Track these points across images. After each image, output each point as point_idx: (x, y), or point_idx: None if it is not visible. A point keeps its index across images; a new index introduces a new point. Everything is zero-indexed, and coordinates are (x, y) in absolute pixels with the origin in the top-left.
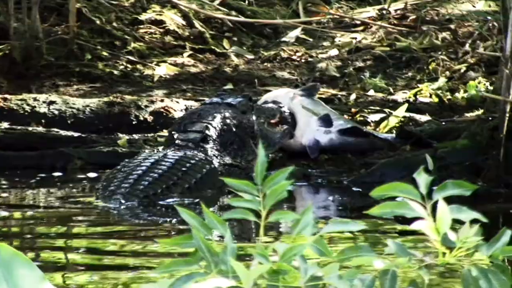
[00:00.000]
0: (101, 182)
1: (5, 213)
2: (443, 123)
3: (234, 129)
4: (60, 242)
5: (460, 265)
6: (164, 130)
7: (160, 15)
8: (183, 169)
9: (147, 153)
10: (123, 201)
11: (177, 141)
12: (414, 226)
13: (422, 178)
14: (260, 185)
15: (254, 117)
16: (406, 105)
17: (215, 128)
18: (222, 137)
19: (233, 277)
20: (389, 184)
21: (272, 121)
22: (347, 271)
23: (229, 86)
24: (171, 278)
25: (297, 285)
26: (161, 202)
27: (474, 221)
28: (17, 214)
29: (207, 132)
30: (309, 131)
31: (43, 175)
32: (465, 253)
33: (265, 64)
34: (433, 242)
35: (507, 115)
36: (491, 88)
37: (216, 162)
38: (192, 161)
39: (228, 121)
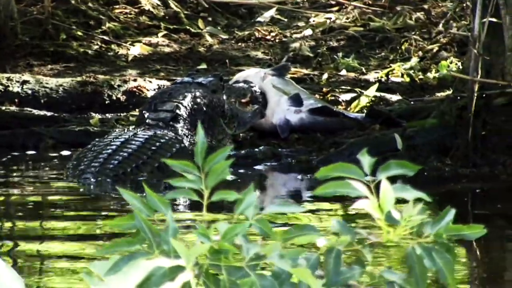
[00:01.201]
0: (72, 161)
1: None
2: (412, 102)
3: (204, 108)
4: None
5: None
6: (137, 110)
7: None
8: (153, 148)
9: (117, 132)
10: (93, 180)
11: (147, 121)
12: (357, 205)
13: (366, 159)
14: (201, 164)
15: (224, 97)
16: (377, 84)
17: (185, 107)
18: (193, 116)
19: (175, 256)
20: (333, 164)
21: (243, 100)
22: (291, 250)
23: (203, 66)
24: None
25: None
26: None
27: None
28: None
29: (177, 111)
30: (280, 110)
31: (15, 153)
32: (409, 231)
33: (239, 44)
34: (377, 221)
35: (475, 94)
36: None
37: (186, 141)
38: (162, 140)
39: (198, 100)
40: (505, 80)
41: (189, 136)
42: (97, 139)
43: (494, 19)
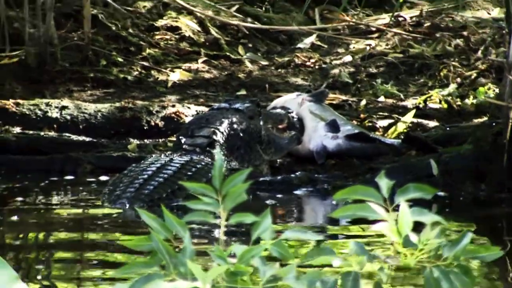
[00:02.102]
0: (108, 186)
1: (15, 217)
2: (448, 128)
3: (241, 134)
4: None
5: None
6: (175, 136)
7: (176, 21)
8: (189, 173)
9: (153, 157)
10: (128, 205)
11: (184, 146)
12: (375, 227)
13: (384, 182)
14: (219, 187)
15: (261, 122)
16: (414, 111)
17: (222, 133)
18: (229, 142)
19: (191, 278)
20: (351, 187)
21: (280, 126)
22: (308, 272)
23: (242, 92)
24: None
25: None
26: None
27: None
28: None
29: (214, 137)
30: (317, 136)
31: (53, 178)
32: (427, 254)
33: (279, 70)
34: (394, 244)
35: (511, 120)
36: None
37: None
38: (198, 166)
39: (235, 126)
40: None
41: (225, 162)
42: (133, 165)
43: None
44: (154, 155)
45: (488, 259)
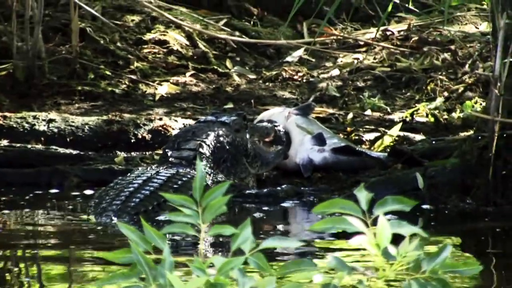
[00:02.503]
0: (94, 199)
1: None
2: (433, 142)
3: (227, 147)
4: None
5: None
6: (161, 148)
7: (164, 35)
8: (175, 186)
9: (140, 170)
10: (114, 218)
11: (170, 159)
12: (353, 241)
13: (363, 195)
14: (199, 199)
15: (247, 136)
16: (400, 124)
17: (208, 146)
18: (215, 155)
19: None
20: (331, 200)
21: (267, 139)
22: (287, 284)
23: (230, 105)
24: None
25: None
26: (152, 219)
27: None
28: (11, 230)
29: (200, 149)
30: (303, 150)
31: (39, 192)
32: (405, 267)
33: (267, 84)
34: (373, 257)
35: (496, 134)
36: None
37: (209, 180)
38: (184, 179)
39: (221, 139)
40: None
41: (211, 175)
42: (119, 178)
43: None
44: (140, 168)
45: (466, 273)
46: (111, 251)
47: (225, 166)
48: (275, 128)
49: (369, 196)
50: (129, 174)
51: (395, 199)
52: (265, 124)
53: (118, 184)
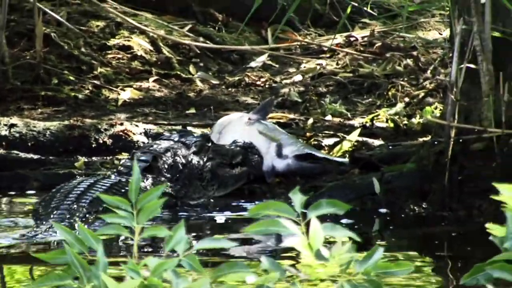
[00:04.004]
0: (37, 205)
1: None
2: (390, 147)
3: (180, 167)
4: None
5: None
6: (123, 153)
7: (129, 40)
8: (117, 195)
9: (83, 177)
10: (55, 223)
11: (120, 168)
12: (287, 243)
13: (297, 197)
14: (134, 202)
15: (205, 159)
16: (359, 129)
17: (163, 161)
18: (168, 172)
19: None
20: (265, 202)
21: (233, 162)
22: (222, 286)
23: (192, 111)
24: None
25: None
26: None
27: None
28: None
29: (153, 162)
30: (268, 157)
31: None
32: (338, 269)
33: (229, 89)
34: (306, 259)
35: (452, 140)
36: None
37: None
38: (127, 188)
39: (177, 158)
40: (482, 125)
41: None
42: (62, 184)
43: (472, 65)
44: (83, 176)
45: (399, 274)
46: (47, 252)
47: (177, 184)
48: (245, 150)
49: (303, 199)
50: (72, 180)
51: (329, 203)
52: (233, 146)
53: (60, 191)
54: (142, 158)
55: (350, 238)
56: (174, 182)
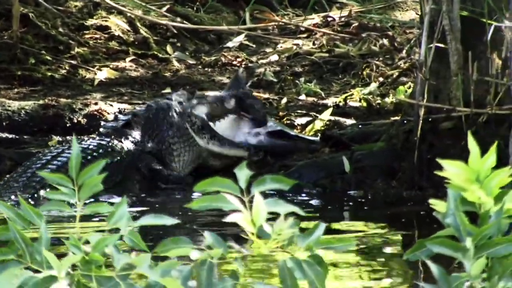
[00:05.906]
0: (7, 176)
1: None
2: (360, 126)
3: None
4: None
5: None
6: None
7: (106, 21)
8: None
9: (55, 146)
10: (19, 193)
11: (100, 129)
12: (230, 218)
13: (242, 173)
14: (75, 178)
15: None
16: (331, 109)
17: (142, 115)
18: (147, 125)
19: (47, 267)
20: (210, 179)
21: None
22: (164, 262)
23: (167, 90)
24: None
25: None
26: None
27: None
28: None
29: (134, 119)
30: (241, 133)
31: None
32: (280, 244)
33: (206, 69)
34: (249, 234)
35: (421, 119)
36: None
37: (132, 147)
38: (95, 154)
39: (160, 113)
40: (451, 104)
41: (138, 143)
42: (38, 155)
43: (441, 45)
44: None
45: (340, 249)
46: None
47: (160, 141)
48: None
49: (248, 175)
50: (44, 150)
51: (273, 178)
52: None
53: (29, 161)
54: (124, 118)
55: (294, 213)
56: (156, 137)
